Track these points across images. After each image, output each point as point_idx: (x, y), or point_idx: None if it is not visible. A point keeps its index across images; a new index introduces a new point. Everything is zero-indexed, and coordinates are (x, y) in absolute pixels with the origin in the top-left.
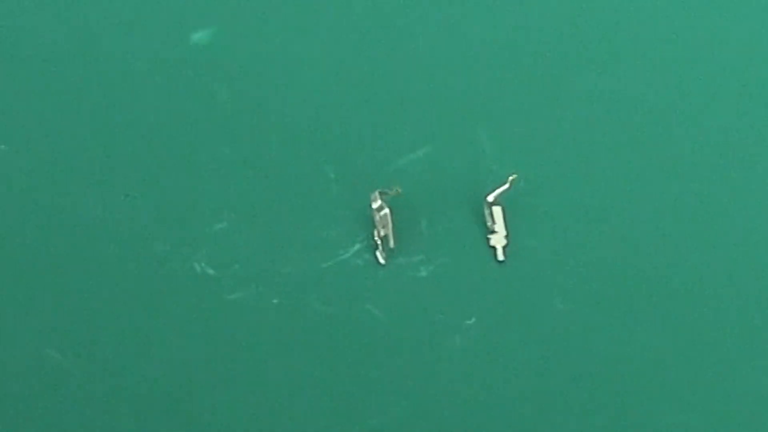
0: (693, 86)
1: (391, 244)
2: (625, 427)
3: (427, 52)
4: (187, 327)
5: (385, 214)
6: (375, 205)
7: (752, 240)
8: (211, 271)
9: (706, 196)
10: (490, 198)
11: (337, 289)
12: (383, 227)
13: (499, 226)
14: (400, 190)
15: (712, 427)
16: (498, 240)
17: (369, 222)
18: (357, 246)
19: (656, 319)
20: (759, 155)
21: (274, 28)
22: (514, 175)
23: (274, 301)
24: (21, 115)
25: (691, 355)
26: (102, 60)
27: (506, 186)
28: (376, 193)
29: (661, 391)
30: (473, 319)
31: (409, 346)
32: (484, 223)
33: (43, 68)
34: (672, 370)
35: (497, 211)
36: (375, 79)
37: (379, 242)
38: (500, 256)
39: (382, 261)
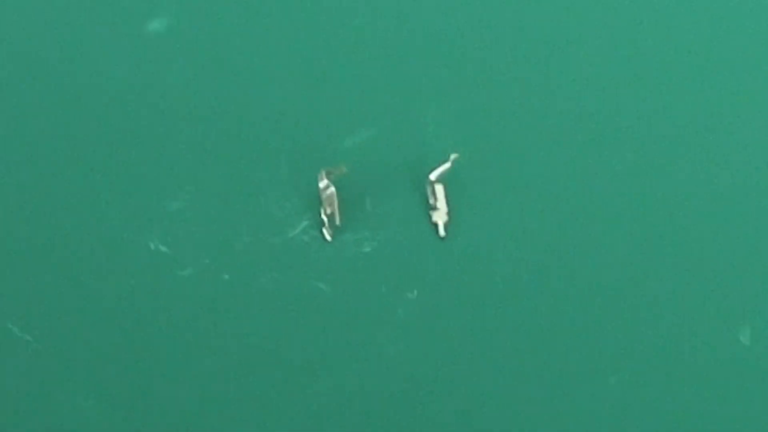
0: (626, 59)
1: (337, 221)
2: (563, 393)
3: (372, 34)
4: (140, 302)
5: (332, 193)
6: (322, 184)
7: (687, 210)
8: (164, 249)
9: (642, 169)
10: (432, 176)
11: (286, 264)
12: (329, 205)
13: (441, 203)
14: (345, 170)
15: (648, 390)
16: (440, 216)
17: (316, 200)
18: (304, 223)
19: (588, 293)
20: (701, 125)
21: (227, 15)
22: (456, 154)
23: (225, 276)
24: None
25: (622, 326)
26: (60, 49)
27: (448, 165)
28: (323, 173)
29: (593, 360)
30: (415, 293)
31: (354, 318)
32: (427, 201)
33: (4, 57)
34: (605, 341)
35: (439, 188)
36: (321, 63)
37: (325, 220)
38: (441, 232)
39: (328, 237)
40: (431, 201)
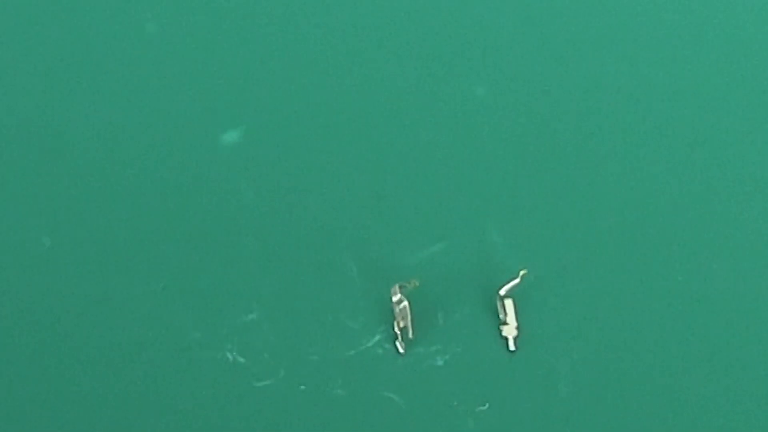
0: (703, 182)
1: (410, 334)
2: None
3: (442, 152)
4: (219, 412)
5: (404, 307)
6: (395, 299)
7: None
8: (242, 360)
9: (710, 277)
10: (502, 291)
11: (360, 376)
12: (402, 319)
13: (511, 317)
14: (417, 284)
15: None
16: (509, 331)
17: (389, 314)
18: (378, 336)
19: (658, 404)
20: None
21: (296, 129)
22: (525, 270)
23: (301, 387)
24: (62, 211)
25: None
26: (136, 160)
27: (517, 280)
28: (396, 287)
29: None
30: (486, 405)
31: (427, 430)
32: (497, 315)
33: (82, 168)
34: None
35: (509, 303)
36: (393, 179)
37: (398, 333)
38: (512, 346)
39: (401, 350)
40: (501, 315)
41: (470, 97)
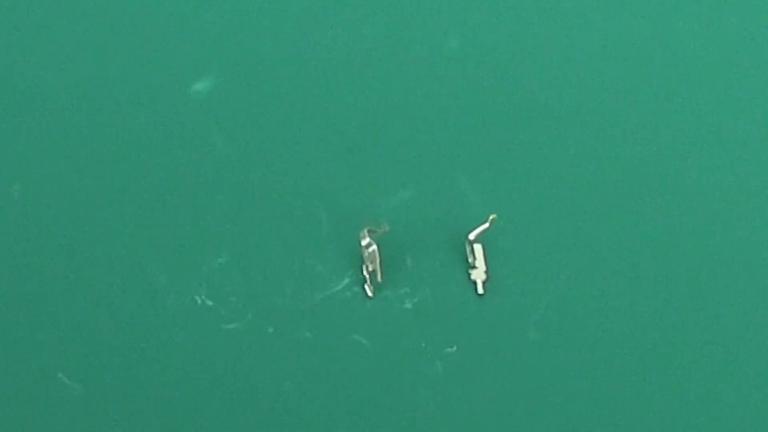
0: (674, 135)
1: (379, 278)
2: None
3: (414, 96)
4: (188, 354)
5: (373, 251)
6: (364, 243)
7: (733, 267)
8: (210, 303)
9: (684, 227)
10: (471, 236)
11: (328, 319)
12: (371, 263)
13: (480, 262)
14: (387, 228)
15: None
16: (478, 275)
17: (358, 258)
18: (346, 280)
19: (624, 350)
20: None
21: (268, 78)
22: (494, 215)
23: (269, 330)
24: (31, 161)
25: (660, 387)
26: (106, 109)
27: (486, 225)
28: (365, 231)
29: (630, 413)
30: (454, 348)
31: (394, 372)
32: (466, 260)
33: (51, 117)
34: (641, 396)
35: (478, 248)
36: (363, 125)
37: (367, 276)
38: (480, 290)
39: (369, 294)
40: (470, 260)
41: (443, 48)
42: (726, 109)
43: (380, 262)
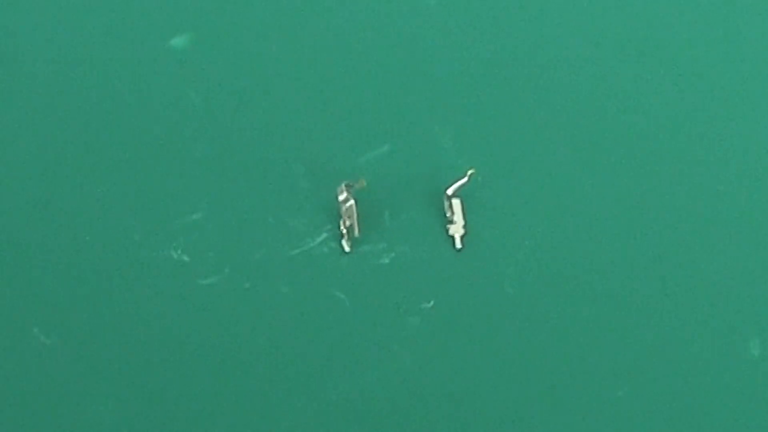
0: (652, 83)
1: (356, 233)
2: (573, 404)
3: (391, 51)
4: (164, 309)
5: (351, 206)
6: (341, 197)
7: (700, 222)
8: (186, 258)
9: (658, 183)
10: (450, 191)
11: (305, 274)
12: (348, 218)
13: (458, 216)
14: (364, 183)
15: (656, 403)
16: (456, 230)
17: (335, 213)
18: (324, 235)
19: (601, 305)
20: (712, 145)
21: (246, 34)
22: (473, 170)
23: (246, 285)
24: (5, 113)
25: (634, 339)
26: (83, 63)
27: (465, 180)
28: (342, 186)
29: (603, 372)
30: (431, 303)
31: (371, 327)
32: (444, 215)
33: (26, 70)
34: (615, 348)
35: (456, 203)
36: (339, 80)
37: (344, 231)
38: (458, 245)
39: (347, 249)
40: (448, 215)
41: (421, 1)
42: (717, 73)
43: (357, 217)
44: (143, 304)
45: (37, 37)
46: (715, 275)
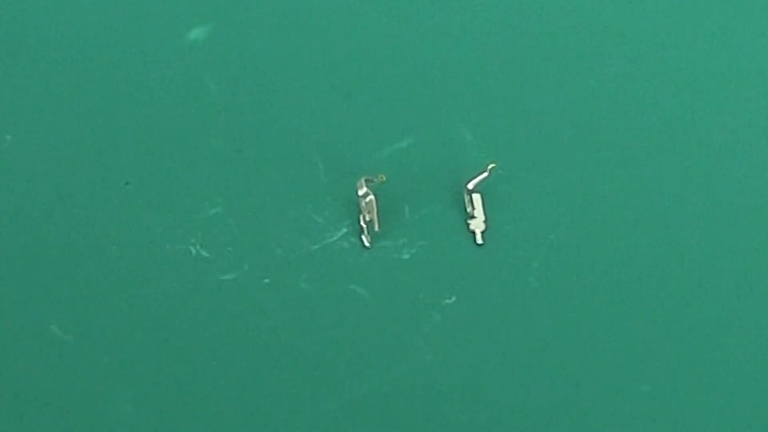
0: (670, 80)
1: (376, 228)
2: (596, 398)
3: (413, 46)
4: (183, 305)
5: (371, 200)
6: (361, 192)
7: (727, 222)
8: (205, 254)
9: (681, 182)
10: (470, 185)
11: (325, 269)
12: (368, 212)
13: (478, 211)
14: (384, 178)
15: (681, 399)
16: (477, 224)
17: (355, 208)
18: (344, 230)
19: (624, 300)
20: (732, 147)
21: (265, 26)
22: (493, 164)
23: (266, 281)
24: (26, 109)
25: (657, 334)
26: (103, 57)
27: (485, 174)
28: (362, 181)
29: (627, 367)
30: (453, 298)
31: (391, 322)
32: (464, 209)
33: (46, 64)
34: (639, 342)
35: (476, 197)
36: (361, 74)
37: (364, 226)
38: (479, 240)
39: (367, 244)
40: (469, 209)
41: None
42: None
43: (377, 211)
44: (162, 300)
45: (57, 31)
46: (745, 267)
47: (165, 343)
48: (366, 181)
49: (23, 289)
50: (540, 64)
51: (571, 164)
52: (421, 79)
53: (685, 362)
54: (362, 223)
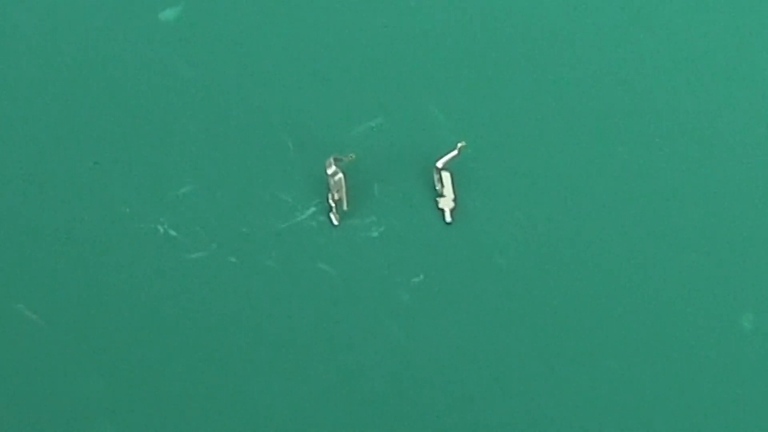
0: (645, 58)
1: (345, 206)
2: (565, 375)
3: (380, 24)
4: (151, 284)
5: (339, 179)
6: (329, 171)
7: (689, 199)
8: (173, 233)
9: (646, 160)
10: (439, 164)
11: (293, 248)
12: (337, 191)
13: (448, 190)
14: (353, 157)
15: (649, 375)
16: (446, 203)
17: (324, 186)
18: (312, 209)
19: (592, 279)
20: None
21: (236, 6)
22: (463, 143)
23: (232, 259)
24: None
25: (624, 312)
26: (73, 37)
27: (455, 152)
28: (331, 159)
29: (594, 344)
30: (421, 277)
31: (360, 301)
32: (433, 188)
33: (15, 44)
34: (607, 321)
35: (446, 176)
36: (330, 53)
37: (333, 205)
38: (448, 218)
39: (335, 222)
40: (438, 188)
41: None
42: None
43: (346, 190)
44: (130, 279)
45: (26, 11)
46: (711, 249)
47: (133, 322)
48: (335, 159)
49: None
50: (512, 42)
51: (541, 144)
52: (392, 57)
53: (653, 339)
54: (331, 201)
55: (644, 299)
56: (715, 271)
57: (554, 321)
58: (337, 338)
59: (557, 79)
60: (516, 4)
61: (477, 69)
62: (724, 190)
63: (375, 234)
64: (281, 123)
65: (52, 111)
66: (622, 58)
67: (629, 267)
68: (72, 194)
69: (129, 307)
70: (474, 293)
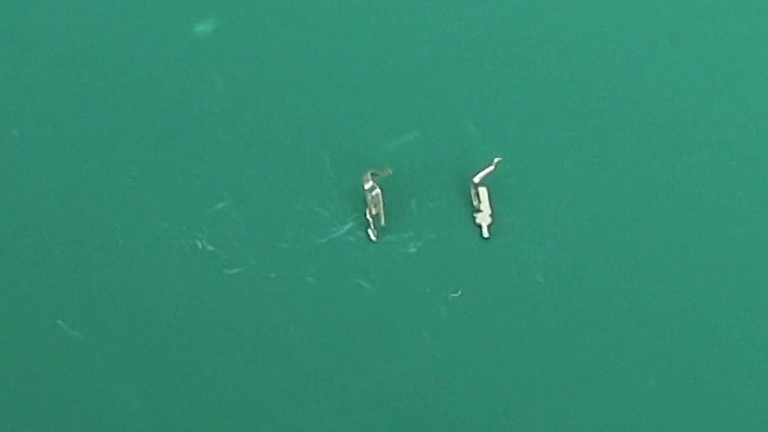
0: (679, 76)
1: (382, 222)
2: (603, 393)
3: (418, 38)
4: (189, 300)
5: (377, 194)
6: (367, 186)
7: (731, 215)
8: (211, 248)
9: (686, 176)
10: (476, 179)
11: (331, 264)
12: (374, 206)
13: (485, 205)
14: (390, 172)
15: (687, 393)
16: (483, 218)
17: (361, 201)
18: (350, 224)
19: (630, 294)
20: (741, 144)
21: (272, 20)
22: (499, 158)
23: (272, 275)
24: (32, 104)
25: (663, 328)
26: (108, 52)
27: (491, 168)
28: (368, 174)
29: (633, 361)
30: (459, 292)
31: (398, 317)
32: (470, 203)
33: (51, 60)
34: (646, 337)
35: (483, 191)
36: (368, 68)
37: (370, 220)
38: (485, 234)
39: (373, 238)
40: (475, 203)
41: None
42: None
43: (384, 205)
44: (168, 295)
45: (61, 26)
46: (749, 258)
47: (171, 338)
48: (372, 174)
49: (29, 284)
50: (547, 58)
51: (578, 158)
52: (428, 72)
53: (691, 357)
54: (368, 216)
55: (689, 320)
56: (756, 287)
57: (593, 339)
58: (375, 353)
59: (595, 94)
60: (552, 20)
61: (513, 84)
62: (757, 205)
63: (413, 249)
64: (317, 137)
65: (90, 127)
66: (661, 76)
67: (669, 283)
68: (110, 210)
69: (168, 323)
70: (512, 309)
